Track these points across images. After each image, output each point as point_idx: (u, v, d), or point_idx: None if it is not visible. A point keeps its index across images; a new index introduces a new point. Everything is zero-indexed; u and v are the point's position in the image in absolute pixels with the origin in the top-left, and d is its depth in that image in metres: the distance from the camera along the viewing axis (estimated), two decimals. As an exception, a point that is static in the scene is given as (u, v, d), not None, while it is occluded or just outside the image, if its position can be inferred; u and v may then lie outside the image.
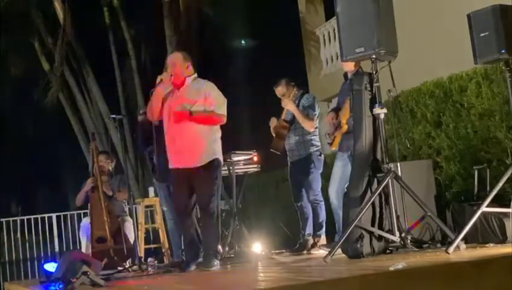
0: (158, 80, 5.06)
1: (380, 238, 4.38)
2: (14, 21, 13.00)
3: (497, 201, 4.37)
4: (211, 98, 5.05)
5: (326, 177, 6.06)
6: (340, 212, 5.03)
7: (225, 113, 5.09)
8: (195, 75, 5.20)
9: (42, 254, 10.31)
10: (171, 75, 5.04)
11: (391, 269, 3.07)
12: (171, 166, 5.12)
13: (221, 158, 5.14)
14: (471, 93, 5.76)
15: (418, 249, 4.36)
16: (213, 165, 5.03)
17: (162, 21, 12.65)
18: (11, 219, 10.61)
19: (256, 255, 5.96)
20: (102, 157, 6.89)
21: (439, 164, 5.91)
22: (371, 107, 4.49)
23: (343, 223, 4.67)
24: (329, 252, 4.24)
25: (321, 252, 5.56)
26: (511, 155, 5.21)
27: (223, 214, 6.62)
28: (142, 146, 6.39)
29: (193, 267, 4.97)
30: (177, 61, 5.12)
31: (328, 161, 6.76)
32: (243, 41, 16.10)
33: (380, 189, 4.32)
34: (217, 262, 4.98)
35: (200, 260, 5.00)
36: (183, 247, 5.92)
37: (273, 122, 6.33)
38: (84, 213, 9.01)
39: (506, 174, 4.23)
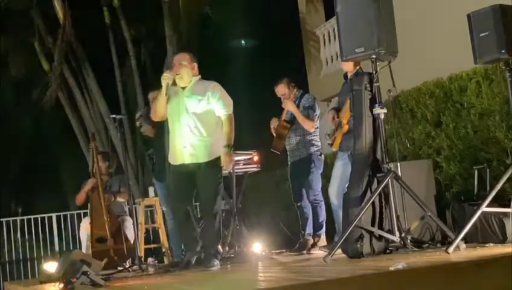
0: (163, 80, 5.07)
1: (380, 238, 4.38)
2: (14, 21, 12.99)
3: (497, 201, 4.37)
4: (217, 98, 5.08)
5: (326, 177, 6.06)
6: (340, 212, 5.03)
7: (232, 112, 5.15)
8: (200, 76, 5.22)
9: (42, 254, 10.30)
10: (177, 74, 5.06)
11: (391, 269, 3.07)
12: (175, 162, 5.12)
13: None
14: (471, 93, 5.76)
15: (418, 249, 4.37)
16: (217, 163, 5.06)
17: (162, 21, 12.65)
18: (11, 219, 10.59)
19: (256, 255, 5.96)
20: (99, 157, 6.88)
21: (439, 164, 5.91)
22: (371, 107, 4.49)
23: (343, 223, 4.67)
24: (329, 252, 4.24)
25: (321, 253, 5.56)
26: (511, 155, 5.21)
27: (223, 214, 6.62)
28: (143, 148, 6.41)
29: (193, 262, 4.99)
30: (184, 61, 5.14)
31: (329, 161, 6.76)
32: (243, 41, 16.10)
33: (380, 189, 4.32)
34: (217, 262, 4.99)
35: (200, 256, 5.02)
36: (183, 247, 5.94)
37: (274, 122, 6.35)
38: (84, 213, 9.00)
39: (506, 174, 4.23)
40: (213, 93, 5.06)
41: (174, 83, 5.15)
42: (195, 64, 5.18)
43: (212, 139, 5.06)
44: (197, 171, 5.01)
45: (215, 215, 4.99)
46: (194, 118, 5.01)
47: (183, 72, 5.08)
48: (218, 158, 5.06)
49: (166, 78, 5.02)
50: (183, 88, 5.12)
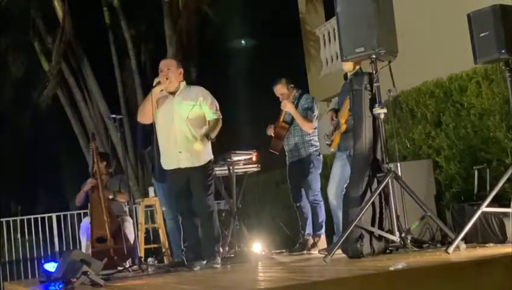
0: (155, 82, 5.12)
1: (380, 238, 4.38)
2: (13, 20, 12.99)
3: (497, 201, 4.37)
4: (209, 103, 5.20)
5: (326, 177, 6.06)
6: (339, 212, 5.03)
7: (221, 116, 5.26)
8: (185, 82, 5.32)
9: (42, 254, 10.29)
10: (166, 79, 5.11)
11: (391, 269, 3.07)
12: (170, 167, 5.18)
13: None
14: (471, 93, 5.76)
15: (418, 249, 4.37)
16: (209, 166, 5.20)
17: (162, 21, 12.66)
18: (11, 219, 10.58)
19: (256, 255, 5.97)
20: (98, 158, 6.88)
21: (439, 164, 5.91)
22: (371, 107, 4.49)
23: (343, 223, 4.67)
24: (329, 252, 4.24)
25: (321, 254, 5.55)
26: (511, 155, 5.21)
27: (223, 214, 6.63)
28: (141, 145, 6.41)
29: (198, 267, 5.02)
30: (171, 67, 5.23)
31: (328, 161, 6.76)
32: (242, 41, 16.09)
33: (380, 189, 4.32)
34: (219, 259, 5.04)
35: (204, 261, 5.06)
36: (182, 247, 5.94)
37: (271, 130, 6.36)
38: (84, 213, 8.99)
39: (506, 174, 4.22)
40: (205, 98, 5.19)
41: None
42: (182, 70, 5.29)
43: (205, 143, 5.16)
44: (191, 174, 5.10)
45: (211, 213, 5.09)
46: (188, 124, 5.10)
47: (171, 77, 5.14)
48: (210, 161, 5.21)
49: (160, 84, 5.11)
50: (172, 94, 5.19)
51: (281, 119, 6.31)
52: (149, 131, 5.81)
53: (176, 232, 6.16)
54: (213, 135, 5.13)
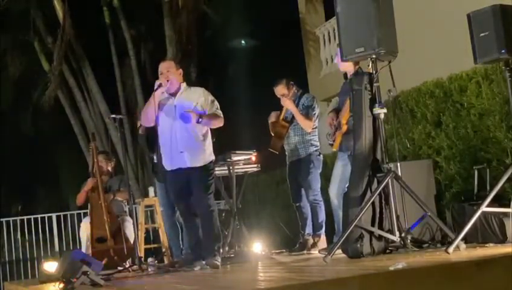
0: (156, 84, 5.11)
1: (380, 238, 4.38)
2: (13, 20, 12.99)
3: (497, 201, 4.37)
4: (210, 102, 5.21)
5: (327, 177, 6.06)
6: (340, 212, 5.03)
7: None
8: (185, 83, 5.33)
9: (42, 254, 10.29)
10: (168, 80, 5.10)
11: (391, 269, 3.07)
12: (172, 167, 5.18)
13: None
14: (471, 93, 5.76)
15: (418, 249, 4.37)
16: (210, 166, 5.21)
17: (162, 21, 12.66)
18: (11, 219, 10.58)
19: (256, 255, 5.97)
20: (101, 157, 6.89)
21: (439, 164, 5.91)
22: (371, 107, 4.49)
23: (343, 223, 4.68)
24: (329, 252, 4.24)
25: (321, 254, 5.55)
26: (511, 155, 5.21)
27: (223, 214, 6.63)
28: (148, 151, 6.40)
29: (198, 267, 5.02)
30: (171, 68, 5.24)
31: (329, 161, 6.76)
32: (242, 41, 16.09)
33: (380, 189, 4.32)
34: (220, 259, 5.04)
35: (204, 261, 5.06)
36: (182, 247, 5.95)
37: (273, 116, 6.33)
38: (84, 213, 8.99)
39: (506, 174, 4.23)
40: (206, 98, 5.21)
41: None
42: (181, 71, 5.30)
43: (207, 143, 5.20)
44: (192, 174, 5.11)
45: (211, 213, 5.10)
46: (190, 124, 5.09)
47: (172, 79, 5.16)
48: (211, 161, 5.22)
49: (162, 86, 5.10)
50: (173, 95, 5.20)
51: (281, 118, 6.30)
52: (154, 135, 5.83)
53: (175, 232, 6.16)
54: (205, 122, 5.08)
